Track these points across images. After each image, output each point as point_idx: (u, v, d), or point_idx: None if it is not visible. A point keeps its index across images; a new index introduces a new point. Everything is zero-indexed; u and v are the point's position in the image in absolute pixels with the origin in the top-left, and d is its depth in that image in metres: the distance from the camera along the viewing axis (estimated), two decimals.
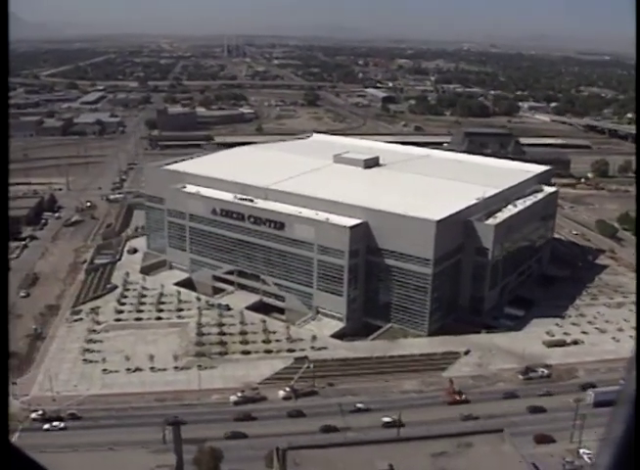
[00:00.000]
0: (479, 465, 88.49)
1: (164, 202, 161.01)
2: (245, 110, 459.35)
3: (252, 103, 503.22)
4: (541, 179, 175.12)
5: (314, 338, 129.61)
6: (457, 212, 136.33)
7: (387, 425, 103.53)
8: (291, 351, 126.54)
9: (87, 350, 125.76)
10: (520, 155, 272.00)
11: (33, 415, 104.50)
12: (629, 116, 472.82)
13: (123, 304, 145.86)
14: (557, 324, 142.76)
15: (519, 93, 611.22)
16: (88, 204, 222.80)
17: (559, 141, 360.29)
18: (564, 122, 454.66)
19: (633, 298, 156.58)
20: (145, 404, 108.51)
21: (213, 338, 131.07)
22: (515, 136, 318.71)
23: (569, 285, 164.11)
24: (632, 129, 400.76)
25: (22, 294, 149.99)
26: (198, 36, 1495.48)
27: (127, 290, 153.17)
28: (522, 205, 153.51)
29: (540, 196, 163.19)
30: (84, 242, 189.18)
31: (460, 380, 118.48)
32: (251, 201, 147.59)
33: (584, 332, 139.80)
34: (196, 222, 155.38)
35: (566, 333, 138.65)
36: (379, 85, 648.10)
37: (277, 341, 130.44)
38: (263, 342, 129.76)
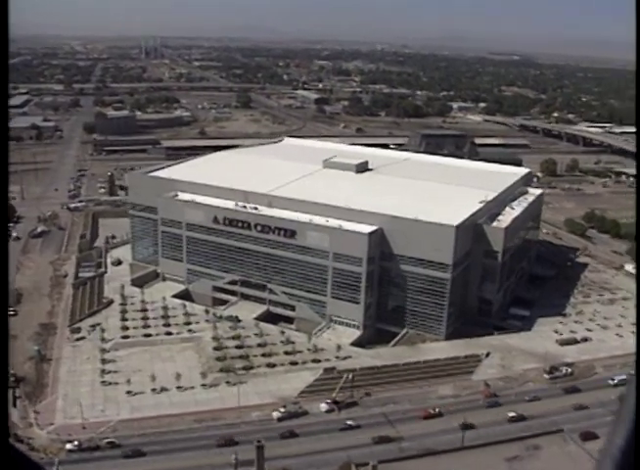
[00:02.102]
0: (554, 467, 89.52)
1: (157, 210, 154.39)
2: (181, 113, 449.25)
3: (185, 105, 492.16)
4: (525, 181, 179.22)
5: (339, 347, 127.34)
6: (470, 216, 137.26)
7: (512, 420, 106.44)
8: (316, 361, 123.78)
9: (103, 370, 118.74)
10: (475, 155, 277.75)
11: (69, 446, 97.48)
12: (555, 115, 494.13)
13: (126, 319, 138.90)
14: (561, 322, 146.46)
15: (444, 94, 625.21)
16: (49, 213, 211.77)
17: (500, 141, 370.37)
18: (497, 122, 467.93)
19: (622, 294, 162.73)
20: (186, 427, 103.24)
21: (233, 352, 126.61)
22: (470, 137, 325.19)
23: (558, 284, 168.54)
24: (564, 129, 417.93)
25: (10, 312, 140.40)
26: (109, 38, 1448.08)
27: (125, 304, 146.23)
28: (519, 207, 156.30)
29: (531, 198, 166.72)
30: (58, 254, 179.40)
31: (491, 382, 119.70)
32: (256, 208, 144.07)
33: (589, 329, 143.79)
34: (194, 232, 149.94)
35: (572, 331, 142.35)
36: (307, 87, 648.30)
37: (299, 352, 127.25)
38: (286, 353, 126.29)
